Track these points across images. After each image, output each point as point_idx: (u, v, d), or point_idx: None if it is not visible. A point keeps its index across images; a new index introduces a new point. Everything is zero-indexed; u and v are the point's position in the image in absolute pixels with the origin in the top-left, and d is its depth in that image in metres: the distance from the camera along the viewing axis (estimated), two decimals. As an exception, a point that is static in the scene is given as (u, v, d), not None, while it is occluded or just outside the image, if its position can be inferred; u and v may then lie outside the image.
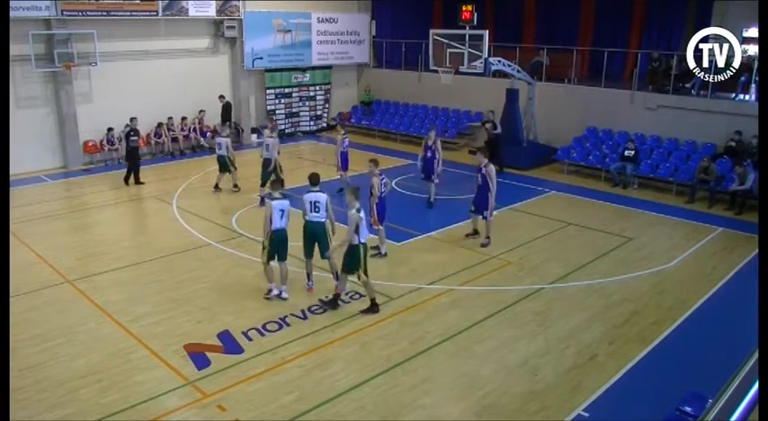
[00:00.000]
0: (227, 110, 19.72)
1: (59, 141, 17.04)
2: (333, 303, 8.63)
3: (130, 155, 15.41)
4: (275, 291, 8.96)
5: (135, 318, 8.29)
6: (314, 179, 9.14)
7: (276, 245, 8.76)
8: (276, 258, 8.88)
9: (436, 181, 13.28)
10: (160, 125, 18.34)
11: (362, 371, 7.06)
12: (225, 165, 14.49)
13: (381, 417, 6.26)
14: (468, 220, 11.63)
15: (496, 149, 16.98)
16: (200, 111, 19.33)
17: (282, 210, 8.69)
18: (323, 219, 8.92)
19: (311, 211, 8.86)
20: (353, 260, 8.30)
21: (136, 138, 15.57)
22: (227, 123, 18.74)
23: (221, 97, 19.60)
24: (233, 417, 6.22)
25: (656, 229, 12.47)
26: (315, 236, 8.92)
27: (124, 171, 16.21)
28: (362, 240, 8.27)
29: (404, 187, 15.03)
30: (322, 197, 8.90)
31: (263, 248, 8.83)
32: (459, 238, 11.53)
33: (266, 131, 14.28)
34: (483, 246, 11.08)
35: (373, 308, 8.49)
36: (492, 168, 11.02)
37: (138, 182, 15.41)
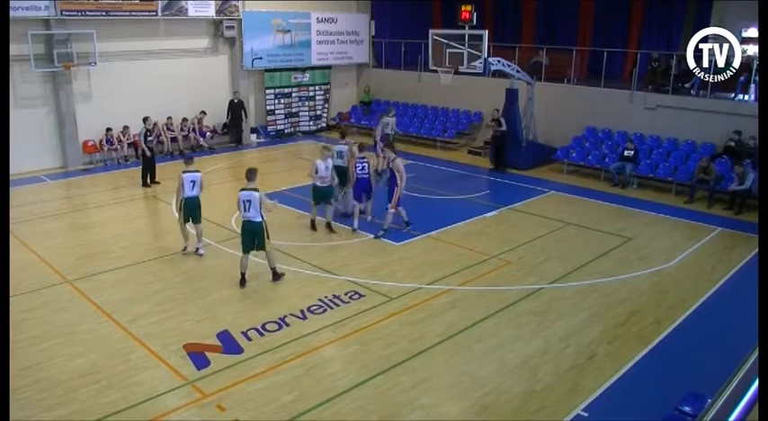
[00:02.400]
0: (239, 107, 19.82)
1: (59, 141, 17.04)
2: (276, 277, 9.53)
3: (146, 156, 15.25)
4: (191, 248, 10.55)
5: (134, 318, 8.29)
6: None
7: (189, 210, 10.24)
8: (191, 221, 10.35)
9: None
10: (155, 124, 18.19)
11: (362, 371, 7.06)
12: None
13: (381, 417, 6.26)
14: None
15: (501, 148, 16.98)
16: (201, 112, 19.31)
17: (193, 181, 10.20)
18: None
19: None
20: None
21: (152, 139, 15.56)
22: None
23: (235, 93, 19.78)
24: (232, 417, 6.22)
25: (655, 229, 12.48)
26: (324, 193, 11.45)
27: (125, 171, 16.28)
28: (248, 218, 9.11)
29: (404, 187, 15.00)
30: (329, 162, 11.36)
31: (179, 212, 10.40)
32: (459, 238, 11.54)
33: (390, 113, 17.23)
34: (375, 237, 11.45)
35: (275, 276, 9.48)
36: (398, 162, 11.42)
37: (153, 181, 15.32)
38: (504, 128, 16.77)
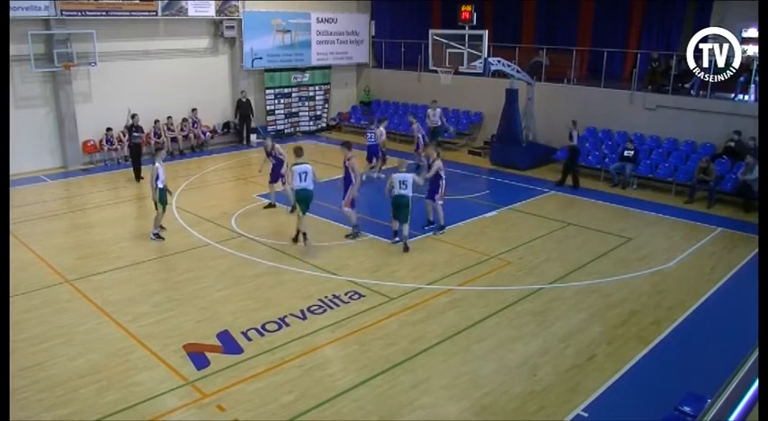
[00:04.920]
0: (246, 107, 20.00)
1: (59, 141, 17.04)
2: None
3: (132, 151, 15.80)
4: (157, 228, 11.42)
5: (134, 318, 8.29)
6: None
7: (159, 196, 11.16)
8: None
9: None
10: (157, 122, 18.28)
11: (362, 371, 7.06)
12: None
13: (380, 417, 6.26)
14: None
15: (573, 162, 15.61)
16: (193, 109, 19.20)
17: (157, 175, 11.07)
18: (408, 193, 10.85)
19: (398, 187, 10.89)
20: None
21: (138, 134, 15.79)
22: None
23: (242, 93, 19.98)
24: (232, 417, 6.22)
25: (655, 229, 12.48)
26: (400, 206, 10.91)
27: (124, 171, 16.33)
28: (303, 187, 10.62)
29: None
30: (408, 176, 10.88)
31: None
32: (459, 238, 11.54)
33: (433, 105, 18.22)
34: (347, 237, 11.42)
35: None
36: (353, 162, 11.15)
37: (138, 177, 15.71)
38: (572, 142, 15.47)
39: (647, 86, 16.89)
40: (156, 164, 11.05)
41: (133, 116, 15.75)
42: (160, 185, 10.98)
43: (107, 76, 17.26)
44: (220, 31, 19.49)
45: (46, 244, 11.17)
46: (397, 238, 11.11)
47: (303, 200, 10.71)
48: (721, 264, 10.55)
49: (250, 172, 17.14)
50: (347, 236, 11.44)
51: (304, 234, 10.85)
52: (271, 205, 13.23)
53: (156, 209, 11.25)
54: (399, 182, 10.75)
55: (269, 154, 13.02)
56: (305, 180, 10.59)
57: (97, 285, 9.42)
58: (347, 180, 11.21)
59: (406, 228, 10.91)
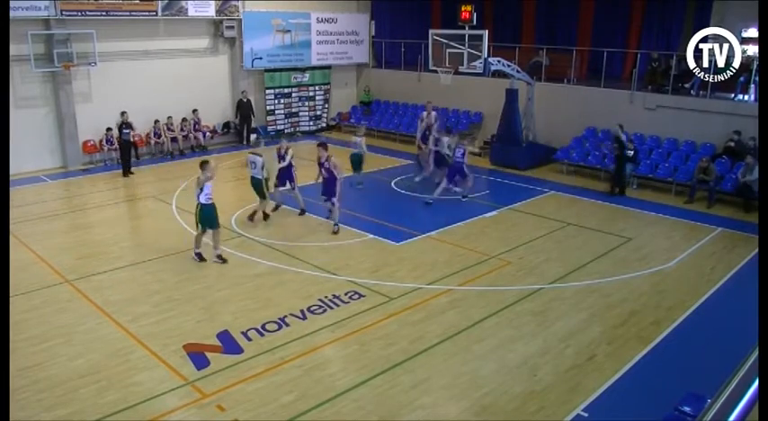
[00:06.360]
0: (247, 108, 20.08)
1: (59, 141, 17.04)
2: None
3: (122, 148, 16.26)
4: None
5: (134, 318, 8.29)
6: None
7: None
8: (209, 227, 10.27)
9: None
10: (157, 122, 18.30)
11: (362, 371, 7.06)
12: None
13: (380, 417, 6.26)
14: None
15: (620, 169, 14.88)
16: (194, 110, 19.21)
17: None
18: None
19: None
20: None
21: (128, 131, 16.11)
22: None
23: (243, 93, 20.01)
24: (232, 417, 6.22)
25: (655, 229, 12.48)
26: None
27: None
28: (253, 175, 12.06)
29: (402, 187, 15.07)
30: (358, 139, 14.57)
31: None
32: (459, 238, 11.54)
33: (428, 108, 16.90)
34: (335, 233, 11.66)
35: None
36: (333, 161, 11.67)
37: (128, 171, 16.28)
38: (630, 152, 15.01)
39: (647, 86, 16.88)
40: (203, 176, 9.78)
41: (122, 113, 15.85)
42: (203, 200, 9.88)
43: (107, 76, 17.26)
44: (220, 31, 19.49)
45: (46, 244, 11.17)
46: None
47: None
48: (721, 264, 10.55)
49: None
50: (334, 232, 11.65)
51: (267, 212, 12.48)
52: (276, 207, 13.10)
53: (197, 228, 10.22)
54: (354, 143, 14.50)
55: (281, 157, 12.66)
56: (255, 168, 12.04)
57: (97, 285, 9.42)
58: (330, 179, 11.68)
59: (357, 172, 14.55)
